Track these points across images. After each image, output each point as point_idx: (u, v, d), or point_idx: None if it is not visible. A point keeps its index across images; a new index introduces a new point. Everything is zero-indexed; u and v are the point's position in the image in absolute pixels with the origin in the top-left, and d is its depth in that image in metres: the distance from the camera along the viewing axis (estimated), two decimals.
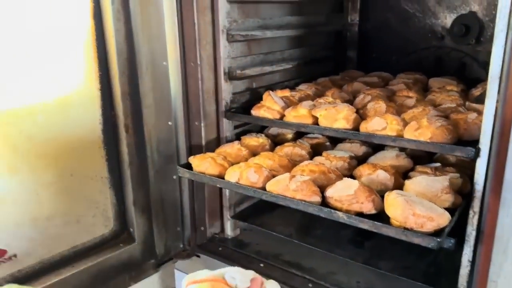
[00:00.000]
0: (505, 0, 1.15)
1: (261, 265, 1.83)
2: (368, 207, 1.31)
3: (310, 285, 1.69)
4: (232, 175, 1.53)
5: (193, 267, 1.98)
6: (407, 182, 1.41)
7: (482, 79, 2.29)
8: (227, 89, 1.88)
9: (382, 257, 1.71)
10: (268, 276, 1.79)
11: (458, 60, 2.43)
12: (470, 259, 1.37)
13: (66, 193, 1.60)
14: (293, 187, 1.38)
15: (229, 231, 2.03)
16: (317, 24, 2.45)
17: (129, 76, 1.67)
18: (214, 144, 1.92)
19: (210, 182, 1.61)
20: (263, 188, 1.48)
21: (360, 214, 1.32)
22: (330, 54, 2.64)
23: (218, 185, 1.56)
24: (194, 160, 1.67)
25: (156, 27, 1.69)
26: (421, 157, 1.68)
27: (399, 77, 2.28)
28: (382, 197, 1.36)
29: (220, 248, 1.97)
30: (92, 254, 1.71)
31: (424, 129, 1.41)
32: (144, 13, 1.65)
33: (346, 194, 1.32)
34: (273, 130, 2.01)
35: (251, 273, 1.02)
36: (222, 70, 1.83)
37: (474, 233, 1.34)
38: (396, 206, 1.23)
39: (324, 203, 1.40)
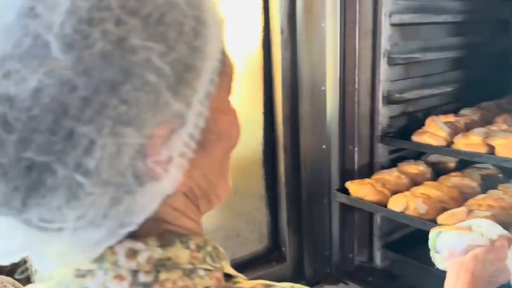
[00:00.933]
0: None
1: None
2: None
3: None
4: (396, 204, 1.47)
5: None
6: None
7: None
8: (384, 113, 1.83)
9: None
10: None
11: None
12: None
13: (230, 209, 1.70)
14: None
15: (378, 261, 1.95)
16: (480, 44, 2.26)
17: (290, 101, 1.73)
18: (366, 169, 1.87)
19: (370, 209, 1.56)
20: (433, 221, 1.39)
21: None
22: (492, 76, 2.40)
23: (380, 213, 1.51)
24: (352, 185, 1.64)
25: (318, 54, 1.73)
26: None
27: None
28: None
29: (369, 278, 1.89)
30: (248, 268, 1.78)
31: None
32: (309, 41, 1.70)
33: None
34: (433, 158, 1.89)
35: (500, 228, 0.91)
36: (381, 94, 1.79)
37: None
38: None
39: None
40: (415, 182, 1.70)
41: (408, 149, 1.90)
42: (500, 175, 1.69)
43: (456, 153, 1.57)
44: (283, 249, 1.86)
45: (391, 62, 1.80)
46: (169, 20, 0.36)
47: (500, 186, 1.52)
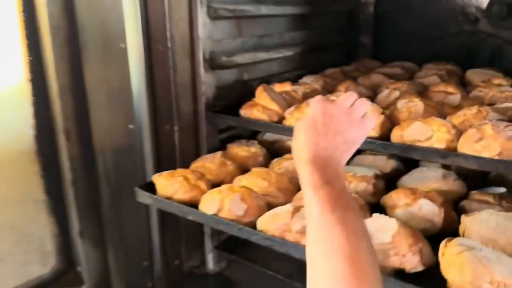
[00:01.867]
0: None
1: None
2: (413, 262, 0.85)
3: None
4: (209, 204, 1.07)
5: None
6: (465, 219, 0.95)
7: None
8: (209, 82, 1.42)
9: None
10: None
11: (497, 48, 1.97)
12: None
13: None
14: (297, 227, 0.93)
15: (211, 265, 1.58)
16: (324, 2, 1.98)
17: (69, 63, 1.21)
18: (192, 155, 1.47)
19: (179, 213, 1.15)
20: (253, 225, 1.03)
21: (399, 272, 0.87)
22: (340, 39, 2.17)
23: (189, 218, 1.10)
24: (159, 180, 1.21)
25: None
26: (470, 176, 1.22)
27: (427, 68, 1.84)
28: (427, 239, 0.92)
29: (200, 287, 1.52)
30: None
31: (489, 140, 0.96)
32: None
33: (380, 242, 0.86)
34: (269, 136, 1.55)
35: None
36: (201, 56, 1.37)
37: None
38: (462, 266, 0.77)
39: None
40: (245, 168, 1.33)
41: (243, 127, 1.54)
42: None
43: (287, 130, 1.22)
44: (79, 269, 1.36)
45: (213, 15, 1.38)
46: None
47: None
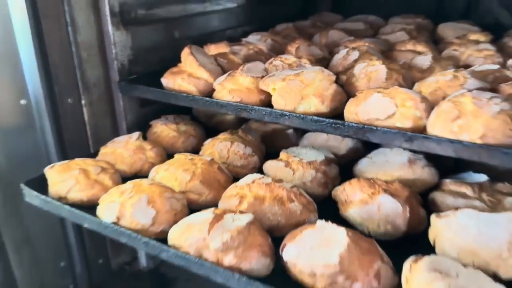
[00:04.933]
0: None
1: None
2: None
3: None
4: (107, 210, 0.81)
5: None
6: (437, 221, 0.73)
7: (505, 22, 1.63)
8: (121, 42, 1.12)
9: None
10: None
11: None
12: None
13: None
14: (216, 245, 0.68)
15: (144, 261, 1.35)
16: None
17: None
18: (109, 135, 1.19)
19: (71, 219, 0.88)
20: (166, 235, 0.78)
21: None
22: None
23: (85, 226, 0.84)
24: (51, 174, 0.93)
25: None
26: (440, 159, 1.00)
27: (394, 22, 1.62)
28: (389, 245, 0.70)
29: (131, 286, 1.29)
30: None
31: (469, 119, 0.72)
32: None
33: (324, 264, 0.63)
34: (206, 110, 1.28)
35: None
36: (108, 8, 1.06)
37: None
38: None
39: (279, 268, 0.72)
40: (171, 152, 1.07)
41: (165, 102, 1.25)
42: (290, 131, 1.16)
43: (215, 104, 0.95)
44: None
45: None
46: None
47: (283, 154, 0.98)
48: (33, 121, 1.10)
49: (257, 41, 1.37)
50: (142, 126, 1.20)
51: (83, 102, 1.14)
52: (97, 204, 0.87)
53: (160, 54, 1.27)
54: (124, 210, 0.79)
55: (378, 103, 0.81)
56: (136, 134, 1.07)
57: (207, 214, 0.74)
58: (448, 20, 1.59)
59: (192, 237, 0.71)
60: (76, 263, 1.29)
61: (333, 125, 0.83)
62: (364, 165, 0.95)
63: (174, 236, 0.75)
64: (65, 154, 1.14)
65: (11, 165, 1.09)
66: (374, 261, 0.65)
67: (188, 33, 1.37)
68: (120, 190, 0.82)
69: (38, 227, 1.19)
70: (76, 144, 1.16)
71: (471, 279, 0.59)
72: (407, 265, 0.64)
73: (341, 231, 0.68)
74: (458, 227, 0.70)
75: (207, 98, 0.98)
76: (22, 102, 1.08)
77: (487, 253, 0.67)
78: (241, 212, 0.75)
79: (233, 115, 1.25)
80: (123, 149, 1.02)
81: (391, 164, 0.91)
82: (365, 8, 1.87)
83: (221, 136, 1.08)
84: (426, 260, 0.62)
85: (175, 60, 1.17)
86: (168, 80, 1.06)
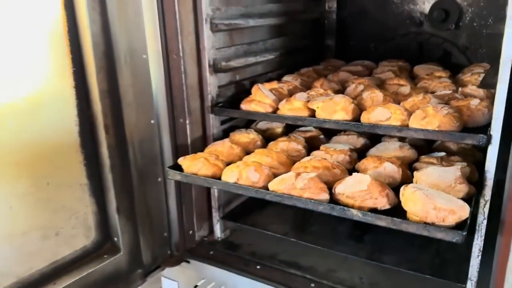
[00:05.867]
0: None
1: (258, 267, 1.73)
2: (383, 203, 1.24)
3: (312, 285, 1.61)
4: (230, 176, 1.42)
5: (182, 273, 1.86)
6: (417, 174, 1.35)
7: (462, 63, 2.30)
8: (212, 83, 1.75)
9: (384, 251, 1.66)
10: (266, 279, 1.73)
11: (438, 46, 2.41)
12: (481, 249, 1.33)
13: (42, 204, 1.42)
14: (300, 185, 1.29)
15: (218, 233, 1.92)
16: (296, 12, 2.35)
17: (107, 72, 1.51)
18: (200, 143, 1.79)
19: (205, 184, 1.48)
20: (265, 188, 1.38)
21: (373, 210, 1.25)
22: (309, 43, 2.56)
23: (214, 187, 1.44)
24: (184, 161, 1.53)
25: (134, 16, 1.53)
26: (419, 147, 1.64)
27: (383, 65, 2.23)
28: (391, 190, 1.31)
29: (211, 252, 1.85)
30: (74, 268, 1.55)
31: (431, 118, 1.35)
32: (121, 1, 1.48)
33: (359, 190, 1.24)
34: (262, 125, 1.90)
35: None
36: (207, 62, 1.70)
37: (485, 222, 1.30)
38: (415, 200, 1.16)
39: (332, 200, 1.32)
40: (247, 150, 1.68)
41: (239, 118, 1.89)
42: (322, 137, 1.79)
43: (282, 118, 1.59)
44: (115, 239, 1.66)
45: (215, 29, 1.72)
46: None
47: (322, 147, 1.60)
48: (157, 134, 1.70)
49: (291, 80, 2.01)
50: (221, 137, 1.81)
51: (187, 121, 1.74)
52: (216, 178, 1.47)
53: (230, 90, 1.90)
54: (241, 174, 1.39)
55: (380, 112, 1.44)
56: (227, 139, 1.68)
57: (291, 173, 1.34)
58: (421, 62, 2.26)
59: (285, 184, 1.32)
60: (174, 234, 1.85)
61: (355, 125, 1.46)
62: (373, 151, 1.58)
63: (273, 185, 1.35)
64: (176, 155, 1.73)
65: (143, 161, 1.68)
66: (385, 189, 1.26)
67: (245, 76, 2.02)
68: (236, 165, 1.43)
69: (153, 206, 1.76)
70: (181, 149, 1.76)
71: (434, 192, 1.20)
72: (402, 188, 1.24)
73: (366, 175, 1.28)
74: (427, 174, 1.31)
75: (275, 114, 1.60)
76: (152, 121, 1.68)
77: (443, 185, 1.28)
78: (307, 172, 1.36)
79: (281, 128, 1.87)
80: (221, 148, 1.63)
81: (389, 149, 1.54)
82: (360, 54, 2.52)
83: (280, 139, 1.69)
84: (411, 185, 1.24)
85: (239, 94, 1.81)
86: (246, 106, 1.69)
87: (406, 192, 1.21)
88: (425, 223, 1.15)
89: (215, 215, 1.88)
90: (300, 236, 1.79)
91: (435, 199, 1.15)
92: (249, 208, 1.97)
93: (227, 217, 1.90)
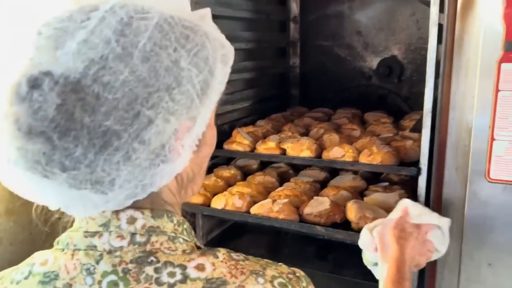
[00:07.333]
0: (432, 53, 1.52)
1: None
2: (341, 216, 1.59)
3: None
4: (218, 203, 1.73)
5: None
6: (365, 199, 1.72)
7: (405, 110, 2.76)
8: None
9: (344, 266, 1.99)
10: None
11: (384, 96, 2.87)
12: None
13: None
14: (276, 209, 1.62)
15: None
16: (266, 67, 2.77)
17: None
18: None
19: (195, 211, 1.78)
20: (248, 212, 1.70)
21: (334, 225, 1.59)
22: (277, 93, 2.97)
23: (206, 213, 1.74)
24: None
25: None
26: (370, 178, 2.02)
27: (339, 112, 2.63)
28: None
29: None
30: None
31: (375, 155, 1.74)
32: None
33: (324, 209, 1.59)
34: (240, 162, 2.24)
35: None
36: None
37: None
38: (351, 210, 1.54)
39: (302, 220, 1.66)
40: (229, 183, 2.00)
41: (221, 156, 2.22)
42: (291, 171, 2.16)
43: (259, 156, 1.94)
44: None
45: None
46: (201, 55, 0.58)
47: (292, 179, 1.96)
48: None
49: (264, 124, 2.38)
50: (206, 174, 2.12)
51: None
52: (206, 205, 1.78)
53: None
54: (227, 201, 1.70)
55: (337, 151, 1.81)
56: (212, 174, 2.00)
57: (268, 200, 1.67)
58: (370, 110, 2.68)
59: (264, 208, 1.64)
60: None
61: (318, 161, 1.82)
62: (332, 182, 1.94)
63: (254, 210, 1.67)
64: None
65: None
66: (341, 206, 1.61)
67: (224, 121, 2.37)
68: (222, 194, 1.75)
69: None
70: None
71: (372, 207, 1.56)
72: (347, 202, 1.60)
73: (326, 198, 1.64)
74: (373, 198, 1.68)
75: (254, 153, 1.95)
76: None
77: (385, 207, 1.64)
78: (281, 199, 1.70)
79: (256, 165, 2.21)
80: (207, 181, 1.95)
81: (344, 180, 1.91)
82: (320, 103, 2.92)
83: (257, 174, 2.03)
84: (354, 200, 1.60)
85: (219, 136, 2.15)
86: (228, 146, 2.03)
87: (348, 204, 1.58)
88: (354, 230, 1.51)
89: (200, 243, 2.16)
90: (274, 257, 2.07)
91: (366, 210, 1.52)
92: (229, 235, 2.26)
93: (210, 244, 2.18)
